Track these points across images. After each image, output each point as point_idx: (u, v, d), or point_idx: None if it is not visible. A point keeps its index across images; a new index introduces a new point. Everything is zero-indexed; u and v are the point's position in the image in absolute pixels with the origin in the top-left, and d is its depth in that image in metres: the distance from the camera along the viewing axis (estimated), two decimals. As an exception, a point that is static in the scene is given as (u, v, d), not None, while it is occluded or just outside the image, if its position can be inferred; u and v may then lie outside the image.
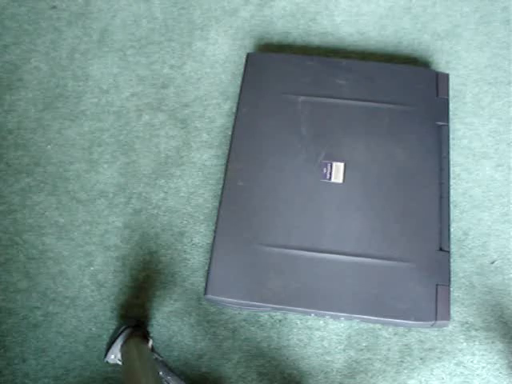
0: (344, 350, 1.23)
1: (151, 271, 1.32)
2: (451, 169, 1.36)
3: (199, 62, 1.56)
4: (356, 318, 1.21)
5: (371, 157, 1.32)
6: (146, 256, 1.33)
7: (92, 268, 1.32)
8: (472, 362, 1.22)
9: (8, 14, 1.64)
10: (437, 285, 1.20)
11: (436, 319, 1.17)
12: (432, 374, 1.21)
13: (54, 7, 1.65)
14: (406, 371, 1.21)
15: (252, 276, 1.22)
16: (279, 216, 1.27)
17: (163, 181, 1.41)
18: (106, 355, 1.19)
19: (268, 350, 1.24)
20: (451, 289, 1.22)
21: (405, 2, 1.62)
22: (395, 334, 1.24)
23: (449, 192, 1.30)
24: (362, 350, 1.23)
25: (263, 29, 1.60)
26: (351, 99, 1.38)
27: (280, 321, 1.26)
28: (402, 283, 1.20)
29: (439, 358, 1.22)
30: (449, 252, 1.23)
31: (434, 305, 1.18)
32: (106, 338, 1.24)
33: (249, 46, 1.58)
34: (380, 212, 1.27)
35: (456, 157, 1.41)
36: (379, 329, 1.25)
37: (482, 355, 1.22)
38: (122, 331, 1.19)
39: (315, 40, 1.58)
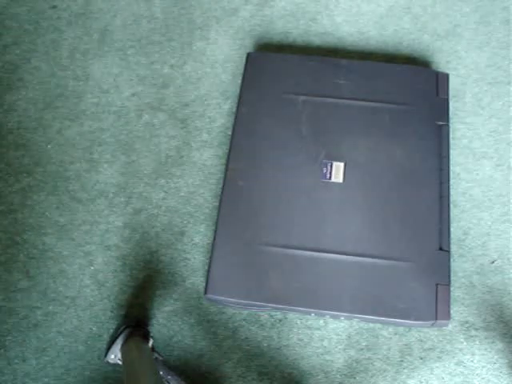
0: (344, 350, 1.23)
1: (151, 271, 1.32)
2: (451, 168, 1.36)
3: (199, 61, 1.56)
4: (356, 317, 1.21)
5: (371, 157, 1.32)
6: (147, 256, 1.33)
7: (92, 268, 1.32)
8: (472, 361, 1.22)
9: (8, 13, 1.64)
10: (437, 284, 1.20)
11: (436, 319, 1.17)
12: (432, 373, 1.21)
13: (55, 7, 1.65)
14: (406, 371, 1.21)
15: (252, 276, 1.22)
16: (279, 216, 1.27)
17: (163, 180, 1.41)
18: (106, 355, 1.19)
19: (268, 349, 1.24)
20: (451, 288, 1.22)
21: (405, 2, 1.62)
22: (395, 334, 1.24)
23: (449, 192, 1.30)
24: (362, 349, 1.24)
25: (263, 29, 1.60)
26: (351, 99, 1.38)
27: (280, 320, 1.27)
28: (402, 283, 1.20)
29: (439, 357, 1.22)
30: (449, 252, 1.24)
31: (434, 304, 1.18)
32: (106, 337, 1.25)
33: (249, 45, 1.58)
34: (380, 212, 1.27)
35: (456, 156, 1.41)
36: (379, 328, 1.25)
37: (482, 355, 1.23)
38: (122, 331, 1.20)
39: (315, 40, 1.58)
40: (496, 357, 1.22)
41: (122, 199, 1.39)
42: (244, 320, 1.27)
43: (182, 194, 1.40)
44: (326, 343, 1.24)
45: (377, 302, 1.19)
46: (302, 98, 1.39)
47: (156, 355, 1.20)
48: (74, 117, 1.49)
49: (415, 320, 1.18)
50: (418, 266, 1.21)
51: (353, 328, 1.25)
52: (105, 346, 1.21)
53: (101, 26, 1.61)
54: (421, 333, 1.24)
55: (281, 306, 1.21)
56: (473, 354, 1.22)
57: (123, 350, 1.16)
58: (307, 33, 1.59)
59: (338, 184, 1.29)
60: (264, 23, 1.61)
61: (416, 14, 1.61)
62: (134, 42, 1.59)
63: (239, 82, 1.45)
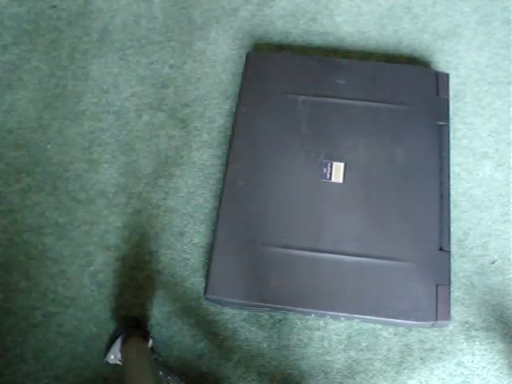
0: (344, 350, 1.23)
1: (151, 271, 1.32)
2: (451, 169, 1.35)
3: (199, 61, 1.56)
4: (356, 317, 1.21)
5: (371, 157, 1.32)
6: (146, 256, 1.33)
7: (92, 268, 1.32)
8: (472, 362, 1.22)
9: (8, 13, 1.64)
10: (437, 285, 1.20)
11: (436, 319, 1.17)
12: (432, 374, 1.21)
13: (54, 7, 1.65)
14: (406, 371, 1.21)
15: (252, 276, 1.22)
16: (279, 216, 1.27)
17: (163, 181, 1.41)
18: (105, 355, 1.19)
19: (268, 349, 1.24)
20: (451, 289, 1.22)
21: (405, 2, 1.62)
22: (395, 334, 1.24)
23: (449, 192, 1.30)
24: (362, 350, 1.23)
25: (263, 28, 1.60)
26: (351, 99, 1.38)
27: (280, 321, 1.26)
28: (402, 283, 1.20)
29: (439, 358, 1.22)
30: (449, 252, 1.23)
31: (434, 305, 1.18)
32: (105, 338, 1.24)
33: (249, 45, 1.58)
34: (380, 212, 1.27)
35: (456, 157, 1.41)
36: (379, 329, 1.25)
37: (483, 355, 1.22)
38: (121, 331, 1.19)
39: (315, 40, 1.58)
40: (496, 357, 1.22)
41: (122, 199, 1.39)
42: (244, 320, 1.27)
43: (182, 194, 1.40)
44: (326, 344, 1.24)
45: (377, 303, 1.19)
46: (302, 97, 1.39)
47: (156, 355, 1.19)
48: (73, 117, 1.49)
49: (415, 320, 1.18)
50: (418, 267, 1.21)
51: (353, 328, 1.25)
52: (104, 347, 1.21)
53: (100, 26, 1.61)
54: (421, 333, 1.24)
55: (281, 307, 1.21)
56: (473, 355, 1.22)
57: (123, 350, 1.16)
58: (307, 33, 1.59)
59: (338, 184, 1.29)
60: (264, 23, 1.61)
61: (416, 14, 1.60)
62: (134, 41, 1.59)
63: (239, 81, 1.45)
